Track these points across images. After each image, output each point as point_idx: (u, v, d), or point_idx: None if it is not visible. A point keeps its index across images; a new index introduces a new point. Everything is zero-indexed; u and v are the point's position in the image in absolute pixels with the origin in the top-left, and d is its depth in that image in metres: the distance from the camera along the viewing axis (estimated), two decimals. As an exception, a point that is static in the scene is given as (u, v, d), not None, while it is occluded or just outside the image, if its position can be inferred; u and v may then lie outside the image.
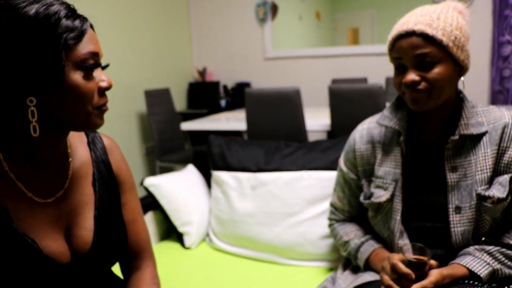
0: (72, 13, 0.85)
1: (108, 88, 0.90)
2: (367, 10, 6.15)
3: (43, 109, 0.84)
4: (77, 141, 1.04)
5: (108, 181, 1.06)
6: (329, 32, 6.41)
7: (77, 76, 0.84)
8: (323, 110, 3.90)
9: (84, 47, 0.85)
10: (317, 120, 3.23)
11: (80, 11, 0.89)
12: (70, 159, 0.99)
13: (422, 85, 1.21)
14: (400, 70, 1.26)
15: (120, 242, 1.06)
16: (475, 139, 1.28)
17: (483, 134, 1.28)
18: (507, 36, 3.94)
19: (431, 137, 1.34)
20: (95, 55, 0.87)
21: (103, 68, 0.92)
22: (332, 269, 1.74)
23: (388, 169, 1.36)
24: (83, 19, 0.86)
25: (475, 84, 4.15)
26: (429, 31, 1.18)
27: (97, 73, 0.89)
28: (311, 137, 3.10)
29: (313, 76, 4.72)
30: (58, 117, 0.86)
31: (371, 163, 1.41)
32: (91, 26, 0.89)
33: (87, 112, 0.87)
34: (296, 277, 1.71)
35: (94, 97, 0.88)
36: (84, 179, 1.01)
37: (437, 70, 1.20)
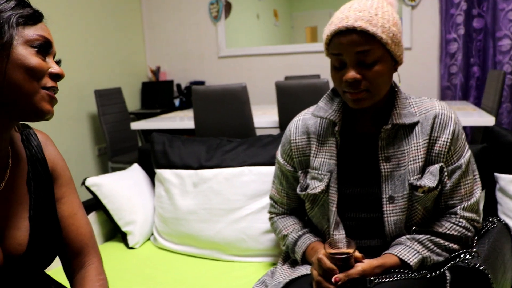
0: (25, 3, 0.90)
1: (58, 75, 0.92)
2: (325, 9, 6.19)
3: None
4: (13, 138, 1.01)
5: (43, 179, 1.04)
6: (287, 31, 6.43)
7: (26, 51, 0.87)
8: (275, 107, 3.90)
9: (37, 31, 0.90)
10: (267, 117, 3.23)
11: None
12: (10, 161, 0.97)
13: (363, 84, 1.21)
14: (339, 66, 1.24)
15: (56, 242, 1.03)
16: (408, 129, 1.30)
17: (415, 124, 1.29)
18: (453, 34, 4.04)
19: (366, 127, 1.35)
20: (47, 41, 0.91)
21: (56, 63, 0.94)
22: (275, 264, 1.73)
23: (323, 160, 1.36)
24: (36, 11, 0.91)
25: (425, 80, 4.25)
26: (370, 28, 1.17)
27: (50, 61, 0.92)
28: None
29: (267, 74, 4.72)
30: (4, 96, 0.85)
31: (307, 154, 1.41)
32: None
33: (34, 89, 0.87)
34: (238, 273, 1.70)
35: (44, 77, 0.89)
36: (19, 179, 0.99)
37: (377, 68, 1.20)
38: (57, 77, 0.92)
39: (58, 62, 0.96)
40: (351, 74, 1.20)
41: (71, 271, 1.11)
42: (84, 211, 1.14)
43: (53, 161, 1.08)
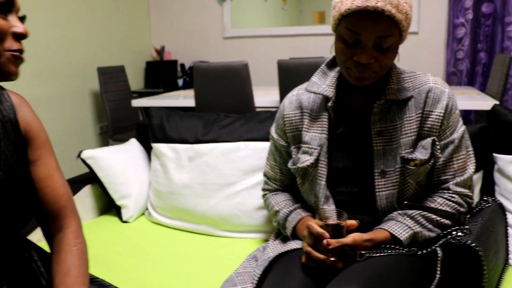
0: None
1: (23, 35, 0.86)
2: (333, -6, 6.10)
3: None
4: None
5: (14, 141, 1.00)
6: (295, 15, 6.37)
7: None
8: (278, 88, 3.87)
9: None
10: (268, 97, 3.20)
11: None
12: None
13: (373, 66, 1.18)
14: (352, 43, 1.18)
15: (29, 203, 1.01)
16: (401, 104, 1.28)
17: (409, 99, 1.27)
18: (461, 19, 3.98)
19: (359, 102, 1.33)
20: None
21: (20, 19, 0.88)
22: (267, 240, 1.72)
23: (314, 134, 1.35)
24: None
25: (431, 65, 4.20)
26: (397, 15, 1.12)
27: (13, 19, 0.86)
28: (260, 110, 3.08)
29: (272, 56, 4.68)
30: None
31: (299, 129, 1.39)
32: None
33: None
34: (230, 248, 1.70)
35: (6, 39, 0.84)
36: None
37: (390, 54, 1.18)
38: (21, 37, 0.86)
39: (22, 18, 0.89)
40: (366, 57, 1.16)
41: (50, 235, 1.08)
42: (61, 174, 1.10)
43: (27, 122, 1.04)
